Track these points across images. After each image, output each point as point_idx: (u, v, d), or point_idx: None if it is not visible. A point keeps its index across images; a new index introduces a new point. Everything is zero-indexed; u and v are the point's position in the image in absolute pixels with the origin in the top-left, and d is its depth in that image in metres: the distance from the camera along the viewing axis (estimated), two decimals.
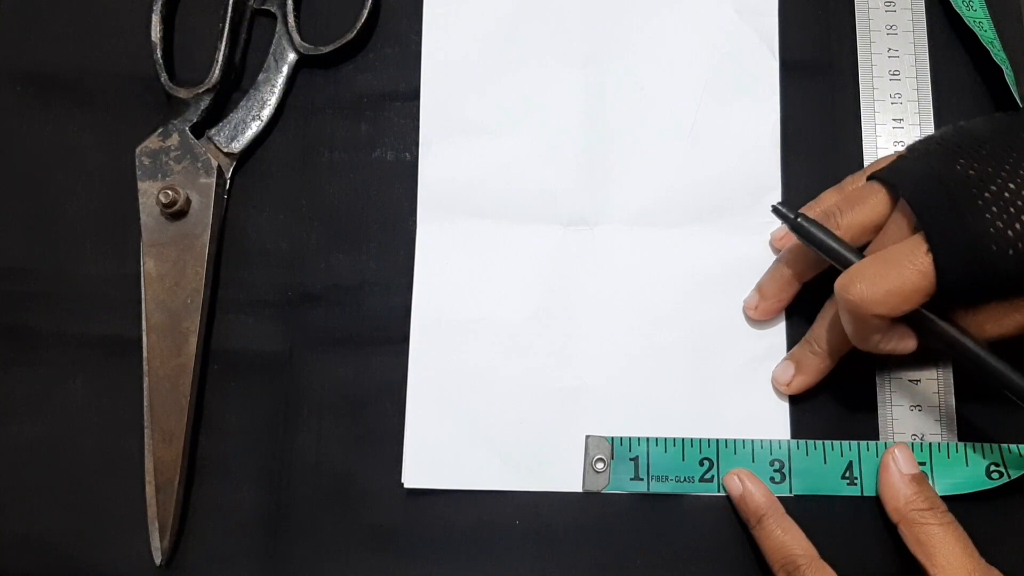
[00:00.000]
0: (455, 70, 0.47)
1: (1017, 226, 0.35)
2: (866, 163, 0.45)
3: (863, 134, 0.46)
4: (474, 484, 0.43)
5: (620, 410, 0.43)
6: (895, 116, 0.45)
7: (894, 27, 0.46)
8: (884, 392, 0.43)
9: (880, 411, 0.43)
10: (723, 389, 0.44)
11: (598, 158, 0.46)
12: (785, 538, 0.40)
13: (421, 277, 0.45)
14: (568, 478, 0.43)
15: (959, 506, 0.40)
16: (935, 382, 0.43)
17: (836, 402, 0.43)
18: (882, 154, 0.45)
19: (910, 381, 0.43)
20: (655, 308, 0.44)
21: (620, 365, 0.44)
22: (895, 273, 0.36)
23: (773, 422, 0.43)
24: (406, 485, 0.43)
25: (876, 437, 0.43)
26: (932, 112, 0.45)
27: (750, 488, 0.41)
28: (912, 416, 0.42)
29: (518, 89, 0.47)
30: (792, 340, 0.44)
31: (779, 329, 0.44)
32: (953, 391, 0.43)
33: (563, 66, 0.47)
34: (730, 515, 0.42)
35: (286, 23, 0.48)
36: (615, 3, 0.48)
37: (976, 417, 0.43)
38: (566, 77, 0.47)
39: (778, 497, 0.42)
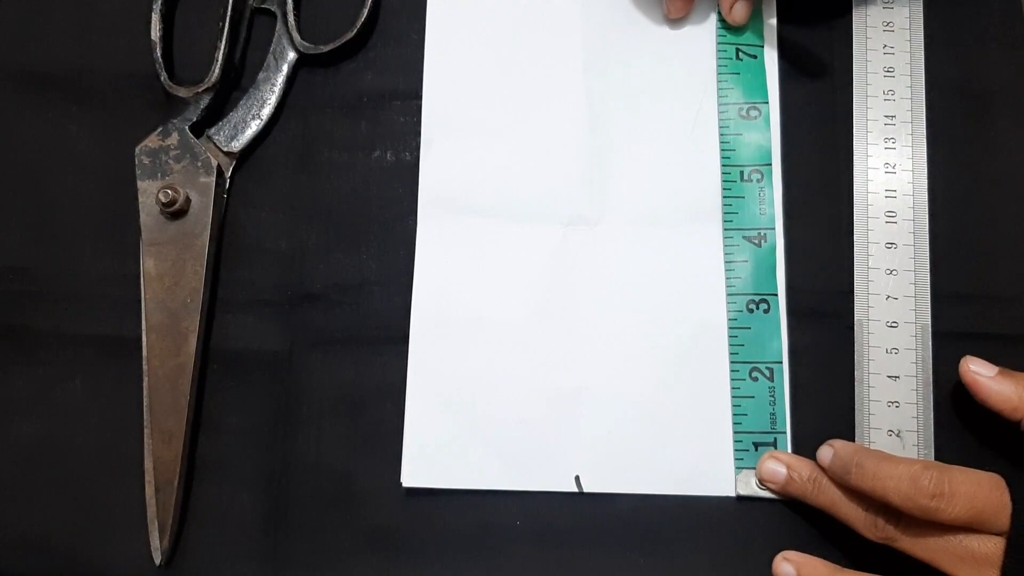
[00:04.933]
0: (457, 69, 0.47)
1: None
2: (856, 158, 0.45)
3: (855, 129, 0.46)
4: (472, 484, 0.43)
5: (620, 410, 0.43)
6: (887, 113, 0.46)
7: (891, 24, 0.47)
8: (862, 387, 0.43)
9: (857, 406, 0.43)
10: (727, 387, 0.43)
11: (599, 158, 0.46)
12: (895, 467, 0.38)
13: (421, 276, 0.45)
14: (566, 478, 0.43)
15: None
16: (914, 379, 0.43)
17: (816, 398, 0.44)
18: (872, 151, 0.45)
19: (888, 377, 0.43)
20: (656, 308, 0.44)
21: (620, 365, 0.44)
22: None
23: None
24: (404, 484, 0.43)
25: (852, 432, 0.43)
26: (924, 110, 0.46)
27: (839, 444, 0.41)
28: (889, 412, 0.43)
29: (520, 89, 0.47)
30: (789, 355, 0.44)
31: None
32: (932, 388, 0.43)
33: (564, 67, 0.47)
34: (730, 515, 0.42)
35: (286, 22, 0.47)
36: (616, 7, 0.48)
37: (953, 413, 0.43)
38: (567, 77, 0.47)
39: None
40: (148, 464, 0.43)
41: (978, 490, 0.37)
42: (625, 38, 0.47)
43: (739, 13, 0.46)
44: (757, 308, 0.44)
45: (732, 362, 0.44)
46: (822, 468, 0.41)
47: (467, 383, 0.44)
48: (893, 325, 0.43)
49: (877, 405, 0.43)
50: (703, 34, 0.47)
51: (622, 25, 0.47)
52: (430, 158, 0.46)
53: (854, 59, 0.46)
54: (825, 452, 0.41)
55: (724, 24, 0.47)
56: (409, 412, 0.44)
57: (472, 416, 0.44)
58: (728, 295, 0.44)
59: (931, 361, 0.43)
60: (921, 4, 0.47)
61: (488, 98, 0.47)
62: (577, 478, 0.43)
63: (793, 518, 0.42)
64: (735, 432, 0.43)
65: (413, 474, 0.43)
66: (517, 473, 0.43)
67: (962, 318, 0.44)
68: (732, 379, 0.43)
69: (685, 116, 0.46)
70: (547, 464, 0.43)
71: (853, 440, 0.42)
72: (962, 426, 0.42)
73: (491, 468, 0.43)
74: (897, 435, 0.42)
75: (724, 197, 0.45)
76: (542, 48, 0.47)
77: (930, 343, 0.43)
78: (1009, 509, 0.37)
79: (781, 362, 0.43)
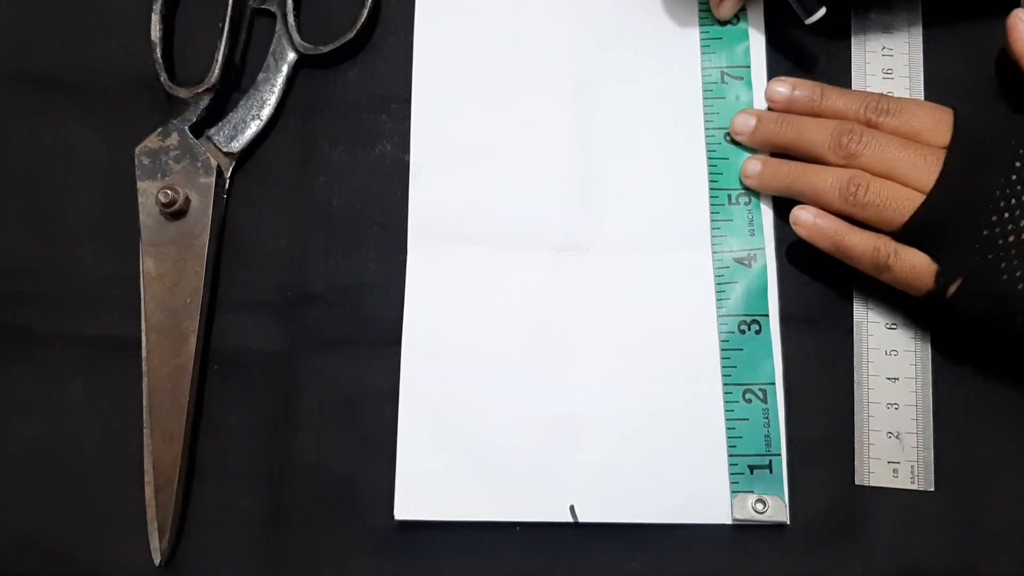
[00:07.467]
0: (446, 97, 0.47)
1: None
2: None
3: None
4: (466, 515, 0.43)
5: (613, 436, 0.43)
6: None
7: (890, 26, 0.46)
8: (861, 389, 0.43)
9: (856, 408, 0.43)
10: (720, 410, 0.43)
11: (590, 183, 0.46)
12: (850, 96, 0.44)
13: (412, 304, 0.45)
14: (560, 509, 0.42)
15: None
16: (913, 380, 0.43)
17: (815, 402, 0.43)
18: None
19: (888, 379, 0.43)
20: (647, 332, 0.44)
21: (612, 390, 0.43)
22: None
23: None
24: (397, 517, 0.43)
25: (852, 435, 0.43)
26: None
27: (795, 80, 0.45)
28: (888, 413, 0.43)
29: (510, 116, 0.46)
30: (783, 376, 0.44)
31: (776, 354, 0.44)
32: (931, 390, 0.43)
33: (554, 92, 0.47)
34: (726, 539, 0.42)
35: (286, 23, 0.48)
36: (605, 30, 0.47)
37: (953, 415, 0.43)
38: (557, 103, 0.47)
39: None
40: (148, 464, 0.43)
41: (919, 109, 0.43)
42: (614, 63, 0.47)
43: (726, 9, 0.46)
44: (749, 329, 0.44)
45: (725, 384, 0.43)
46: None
47: (459, 412, 0.43)
48: (892, 327, 0.43)
49: (876, 407, 0.43)
50: (690, 58, 0.47)
51: (611, 50, 0.47)
52: (419, 186, 0.46)
53: (852, 61, 0.46)
54: (782, 88, 0.44)
55: (709, 47, 0.47)
56: (401, 444, 0.43)
57: (464, 446, 0.43)
58: (719, 317, 0.44)
59: (930, 363, 0.43)
60: (920, 6, 0.47)
61: (477, 124, 0.46)
62: (572, 508, 0.42)
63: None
64: (730, 455, 0.43)
65: (406, 507, 0.43)
66: (511, 504, 0.43)
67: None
68: (725, 402, 0.43)
69: (674, 140, 0.46)
70: (541, 494, 0.43)
71: (852, 443, 0.43)
72: (962, 427, 0.42)
73: (484, 499, 0.43)
74: (896, 437, 0.42)
75: (712, 220, 0.45)
76: (531, 75, 0.47)
77: (929, 345, 0.43)
78: (949, 124, 0.41)
79: (774, 383, 0.43)
